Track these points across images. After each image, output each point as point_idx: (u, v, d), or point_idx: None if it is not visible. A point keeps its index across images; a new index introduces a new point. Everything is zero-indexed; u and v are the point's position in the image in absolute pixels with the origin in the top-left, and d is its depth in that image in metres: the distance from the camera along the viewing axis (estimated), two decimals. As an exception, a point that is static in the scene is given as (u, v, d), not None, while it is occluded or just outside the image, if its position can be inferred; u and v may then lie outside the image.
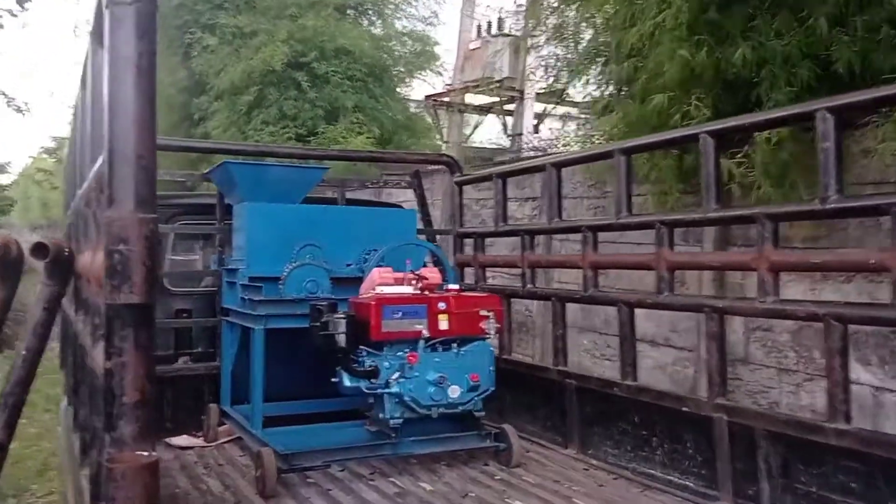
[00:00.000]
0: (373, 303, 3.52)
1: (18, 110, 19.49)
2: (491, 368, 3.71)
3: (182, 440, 4.16)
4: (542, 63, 8.31)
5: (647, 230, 3.61)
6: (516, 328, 8.70)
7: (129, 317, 1.33)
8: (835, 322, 2.75)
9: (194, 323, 4.73)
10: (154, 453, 1.34)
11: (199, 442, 4.16)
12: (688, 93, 5.41)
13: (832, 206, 2.76)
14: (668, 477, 3.46)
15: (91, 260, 1.88)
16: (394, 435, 3.59)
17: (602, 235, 3.92)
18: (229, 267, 4.18)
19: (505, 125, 13.08)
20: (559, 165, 4.13)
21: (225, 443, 4.15)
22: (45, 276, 2.44)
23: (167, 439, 4.16)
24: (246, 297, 3.91)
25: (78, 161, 2.68)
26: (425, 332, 3.55)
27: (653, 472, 3.53)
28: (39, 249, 2.35)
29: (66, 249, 2.45)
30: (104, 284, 1.32)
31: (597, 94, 7.11)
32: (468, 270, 5.04)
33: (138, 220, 1.34)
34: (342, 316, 3.49)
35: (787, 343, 6.07)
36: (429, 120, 14.43)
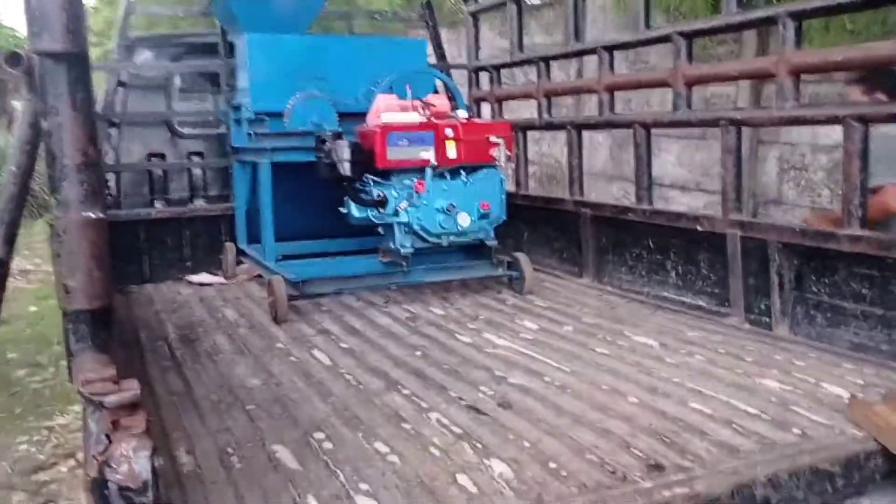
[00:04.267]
0: (378, 130, 3.43)
1: None
2: (502, 196, 3.63)
3: (202, 277, 4.25)
4: None
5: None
6: (546, 180, 8.58)
7: (58, 71, 1.26)
8: (855, 123, 2.58)
9: (206, 164, 4.72)
10: (102, 215, 1.30)
11: (218, 279, 4.24)
12: None
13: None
14: (682, 298, 3.43)
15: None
16: (405, 264, 3.59)
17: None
18: (235, 104, 4.10)
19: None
20: (574, -19, 3.85)
21: (246, 280, 4.23)
22: (26, 89, 2.38)
23: (187, 277, 4.27)
24: (251, 133, 3.85)
25: None
26: (432, 160, 3.47)
27: (666, 294, 3.50)
28: (13, 58, 2.28)
29: (43, 60, 2.36)
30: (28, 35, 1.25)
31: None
32: (485, 107, 4.88)
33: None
34: (345, 143, 3.42)
35: (822, 181, 5.85)
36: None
